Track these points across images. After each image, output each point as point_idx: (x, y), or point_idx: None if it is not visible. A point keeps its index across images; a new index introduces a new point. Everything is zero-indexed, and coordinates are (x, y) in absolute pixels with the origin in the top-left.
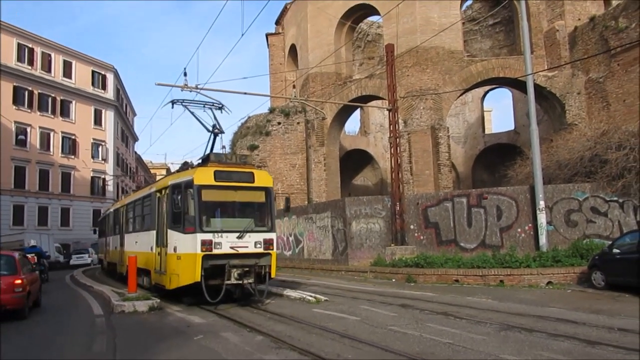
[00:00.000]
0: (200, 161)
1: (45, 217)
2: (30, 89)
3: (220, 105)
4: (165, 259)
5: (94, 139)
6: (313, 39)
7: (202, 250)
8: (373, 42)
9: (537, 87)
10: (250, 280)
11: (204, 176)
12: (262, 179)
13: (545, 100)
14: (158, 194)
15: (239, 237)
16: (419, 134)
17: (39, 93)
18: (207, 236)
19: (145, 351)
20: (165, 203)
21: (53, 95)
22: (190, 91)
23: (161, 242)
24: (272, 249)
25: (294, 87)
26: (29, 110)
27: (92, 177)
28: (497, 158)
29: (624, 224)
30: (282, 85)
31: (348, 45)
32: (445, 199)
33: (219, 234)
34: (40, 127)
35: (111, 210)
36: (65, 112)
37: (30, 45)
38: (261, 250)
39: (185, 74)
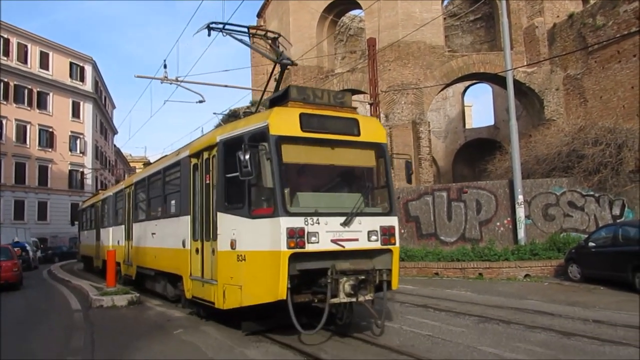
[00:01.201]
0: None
1: (21, 211)
2: (5, 80)
3: (277, 35)
4: (213, 261)
5: (72, 132)
6: (295, 32)
7: (288, 247)
8: (355, 36)
9: (516, 82)
10: (369, 296)
11: (285, 122)
12: (371, 129)
13: (524, 96)
14: (194, 160)
15: (344, 224)
16: (400, 128)
17: (14, 84)
18: (296, 222)
19: (125, 347)
20: (211, 172)
21: (29, 86)
22: (170, 84)
23: (203, 232)
24: (394, 243)
25: (275, 80)
26: (5, 102)
27: (70, 171)
28: (477, 153)
29: (600, 218)
30: (263, 78)
31: (330, 39)
32: (426, 193)
33: (313, 219)
34: (16, 120)
35: (108, 194)
36: (42, 104)
37: (5, 36)
38: (378, 245)
39: (165, 66)
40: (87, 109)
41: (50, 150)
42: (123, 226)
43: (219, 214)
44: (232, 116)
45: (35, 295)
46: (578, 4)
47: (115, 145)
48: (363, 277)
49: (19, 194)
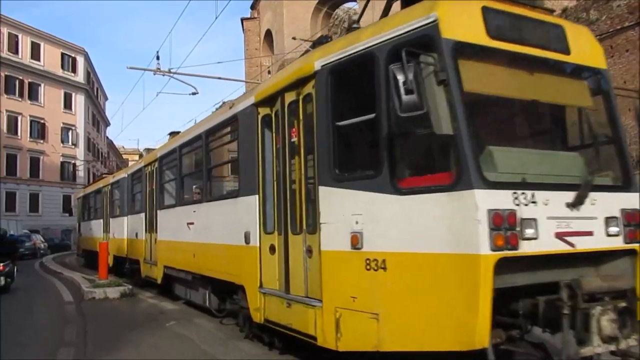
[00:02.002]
0: None
1: (13, 203)
2: None
3: None
4: (309, 266)
5: (63, 123)
6: (289, 24)
7: (494, 247)
8: (349, 28)
9: None
10: (634, 340)
11: (463, 20)
12: (583, 45)
13: None
14: (263, 110)
15: (573, 205)
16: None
17: (5, 75)
18: (502, 199)
19: (117, 339)
20: (300, 123)
21: (20, 77)
22: (163, 75)
23: (287, 220)
24: None
25: (269, 72)
26: None
27: (62, 162)
28: None
29: None
30: (257, 70)
31: (324, 32)
32: None
33: (527, 195)
34: (7, 111)
35: (121, 177)
36: (33, 96)
37: None
38: (620, 242)
39: (157, 58)
40: (79, 101)
41: (41, 141)
42: (142, 214)
43: (322, 189)
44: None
45: (26, 288)
46: None
47: (107, 137)
48: (624, 304)
49: (10, 185)
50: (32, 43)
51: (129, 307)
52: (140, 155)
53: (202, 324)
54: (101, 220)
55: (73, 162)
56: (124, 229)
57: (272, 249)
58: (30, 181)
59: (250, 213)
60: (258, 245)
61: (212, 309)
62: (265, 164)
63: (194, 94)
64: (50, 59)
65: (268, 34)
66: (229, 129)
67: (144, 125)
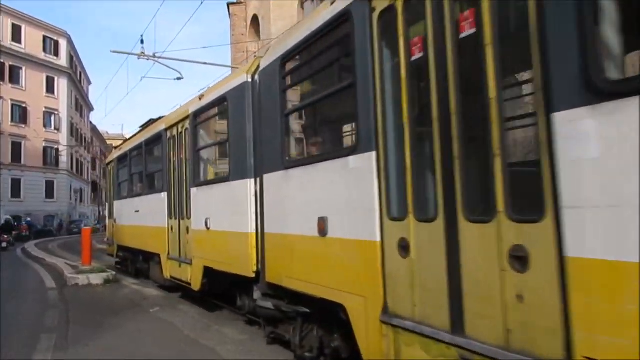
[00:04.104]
0: None
1: None
2: None
3: None
4: None
5: (46, 108)
6: (275, 10)
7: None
8: None
9: None
10: None
11: None
12: None
13: None
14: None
15: None
16: None
17: None
18: None
19: (100, 325)
20: None
21: (1, 60)
22: (148, 59)
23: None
24: None
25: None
26: None
27: (45, 147)
28: None
29: None
30: (243, 56)
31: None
32: None
33: None
34: None
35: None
36: (14, 79)
37: None
38: None
39: (142, 42)
40: (61, 85)
41: (23, 126)
42: (164, 194)
43: None
44: None
45: (7, 274)
46: None
47: (91, 122)
48: None
49: None
50: (13, 25)
51: (113, 293)
52: (125, 141)
53: (186, 310)
54: (163, 196)
55: (56, 147)
56: (247, 216)
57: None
58: (12, 166)
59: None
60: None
61: None
62: None
63: (179, 79)
64: (31, 42)
65: (255, 19)
66: None
67: (128, 110)
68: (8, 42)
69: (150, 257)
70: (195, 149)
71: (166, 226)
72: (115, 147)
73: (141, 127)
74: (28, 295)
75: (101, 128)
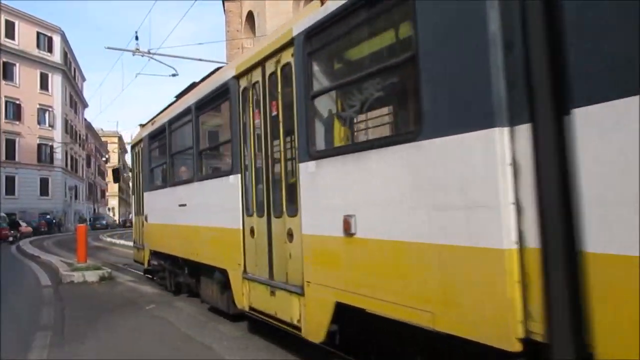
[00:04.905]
0: None
1: None
2: None
3: None
4: None
5: (40, 105)
6: (270, 7)
7: None
8: None
9: None
10: None
11: None
12: None
13: None
14: None
15: None
16: None
17: None
18: None
19: (96, 322)
20: None
21: None
22: (142, 56)
23: None
24: None
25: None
26: None
27: (39, 144)
28: None
29: None
30: (238, 52)
31: None
32: None
33: None
34: None
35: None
36: (8, 76)
37: None
38: None
39: (137, 38)
40: (55, 81)
41: (17, 123)
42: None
43: None
44: None
45: (2, 272)
46: None
47: (85, 119)
48: None
49: None
50: (7, 21)
51: (108, 290)
52: (120, 138)
53: (182, 307)
54: (233, 179)
55: (50, 144)
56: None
57: None
58: (6, 163)
59: None
60: None
61: None
62: None
63: (174, 75)
64: (25, 38)
65: (250, 15)
66: None
67: (123, 107)
68: (2, 38)
69: (205, 270)
70: (309, 94)
71: (240, 227)
72: (143, 125)
73: (178, 95)
74: (23, 292)
75: (96, 125)
